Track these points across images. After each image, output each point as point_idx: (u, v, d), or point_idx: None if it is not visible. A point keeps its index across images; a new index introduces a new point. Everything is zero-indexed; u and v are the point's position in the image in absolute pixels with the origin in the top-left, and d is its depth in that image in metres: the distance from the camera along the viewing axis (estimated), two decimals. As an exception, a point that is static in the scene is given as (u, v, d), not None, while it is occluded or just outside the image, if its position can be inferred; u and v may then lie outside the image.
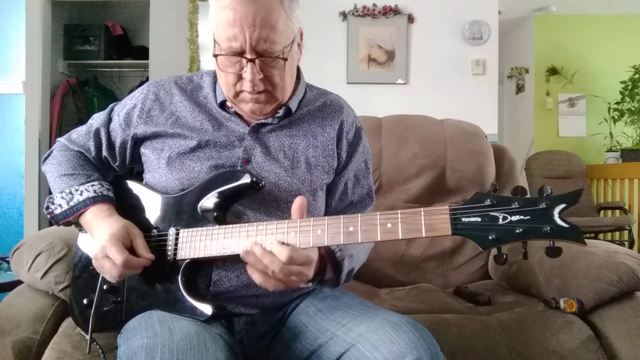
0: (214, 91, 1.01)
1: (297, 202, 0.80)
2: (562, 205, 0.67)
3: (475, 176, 1.71)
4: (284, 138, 0.98)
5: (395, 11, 3.66)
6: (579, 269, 1.26)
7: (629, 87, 4.44)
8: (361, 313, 0.85)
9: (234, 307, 0.92)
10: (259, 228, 0.82)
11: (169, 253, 0.88)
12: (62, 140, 1.06)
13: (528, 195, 0.70)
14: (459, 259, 1.69)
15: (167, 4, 3.50)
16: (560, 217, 0.67)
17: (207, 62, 3.55)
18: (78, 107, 3.68)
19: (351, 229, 0.76)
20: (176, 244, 0.88)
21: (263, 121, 0.98)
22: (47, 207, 0.95)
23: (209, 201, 0.89)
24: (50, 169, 1.01)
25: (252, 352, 0.93)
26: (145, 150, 1.00)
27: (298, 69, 1.03)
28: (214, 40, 0.89)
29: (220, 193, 0.89)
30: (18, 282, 1.26)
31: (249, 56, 0.86)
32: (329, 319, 0.87)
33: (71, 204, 0.94)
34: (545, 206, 0.68)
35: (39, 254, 1.17)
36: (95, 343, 0.93)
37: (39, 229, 2.98)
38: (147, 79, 3.65)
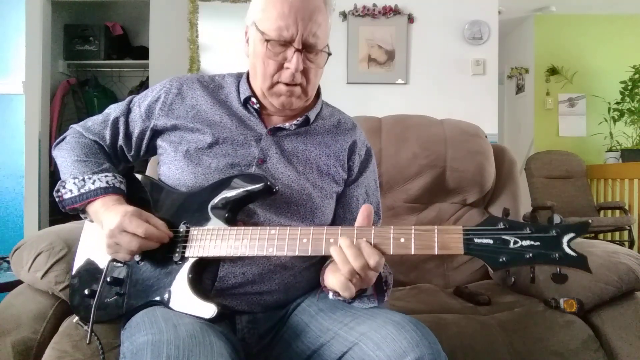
0: (237, 90, 1.04)
1: (367, 210, 0.80)
2: (571, 235, 0.70)
3: (475, 176, 1.71)
4: (298, 144, 1.01)
5: (395, 11, 3.66)
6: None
7: (629, 87, 4.44)
8: (363, 312, 0.85)
9: (237, 305, 0.92)
10: (271, 232, 0.83)
11: (177, 249, 0.89)
12: (76, 127, 1.06)
13: (539, 222, 0.73)
14: (459, 259, 1.69)
15: (167, 4, 3.50)
16: (568, 246, 0.70)
17: (207, 62, 3.55)
18: (78, 107, 3.68)
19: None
20: (185, 241, 0.89)
21: (281, 125, 1.01)
22: (58, 190, 0.96)
23: (221, 202, 0.89)
24: (63, 154, 1.01)
25: (253, 350, 0.93)
26: (163, 143, 1.02)
27: (318, 86, 1.06)
28: (259, 31, 0.94)
29: (233, 195, 0.89)
30: (18, 282, 1.26)
31: (297, 46, 0.92)
32: (331, 318, 0.87)
33: (82, 190, 0.94)
34: (555, 234, 0.71)
35: (39, 254, 1.17)
36: (95, 338, 0.93)
37: (39, 229, 2.98)
38: (147, 79, 3.65)
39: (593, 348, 1.15)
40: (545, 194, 4.16)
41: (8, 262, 1.66)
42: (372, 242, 0.77)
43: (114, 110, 1.06)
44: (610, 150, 4.68)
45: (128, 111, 1.05)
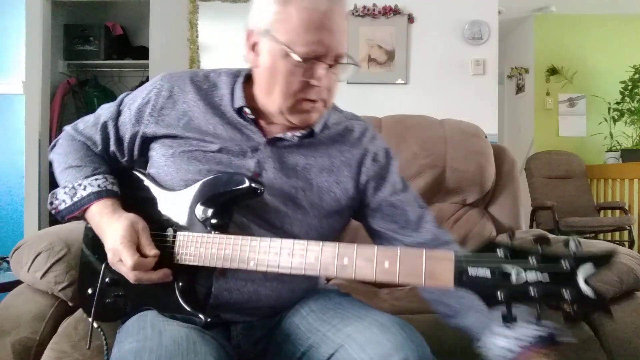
0: (231, 94, 0.94)
1: None
2: (590, 270, 0.57)
3: (475, 176, 1.70)
4: (298, 157, 0.93)
5: (395, 11, 3.66)
6: (579, 269, 1.26)
7: (629, 87, 4.44)
8: (352, 313, 0.84)
9: (232, 317, 0.90)
10: (253, 244, 0.77)
11: (167, 254, 0.85)
12: (68, 129, 1.02)
13: (551, 247, 0.61)
14: (459, 259, 1.69)
15: (167, 4, 3.50)
16: (585, 283, 0.57)
17: (207, 62, 3.54)
18: (78, 107, 3.69)
19: (345, 261, 0.70)
20: (173, 247, 0.85)
21: (282, 136, 0.92)
22: (51, 203, 0.94)
23: (206, 207, 0.85)
24: (57, 159, 0.99)
25: (249, 356, 0.91)
26: (155, 145, 0.96)
27: None
28: (279, 43, 0.82)
29: (216, 197, 0.85)
30: (18, 282, 1.25)
31: (329, 62, 0.84)
32: (321, 319, 0.86)
33: (75, 199, 0.91)
34: (568, 267, 0.58)
35: (38, 254, 1.17)
36: (101, 333, 0.92)
37: (39, 229, 2.98)
38: (147, 79, 3.64)
39: (593, 348, 1.15)
40: (545, 194, 4.16)
41: (8, 262, 1.66)
42: (354, 263, 0.69)
43: (104, 112, 1.00)
44: (610, 150, 4.69)
45: (118, 114, 0.98)
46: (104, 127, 0.98)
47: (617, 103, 4.56)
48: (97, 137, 0.98)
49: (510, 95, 5.81)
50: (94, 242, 0.94)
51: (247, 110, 0.91)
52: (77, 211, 0.91)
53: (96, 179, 0.92)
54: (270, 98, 0.88)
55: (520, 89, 5.59)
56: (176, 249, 0.85)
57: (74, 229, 1.28)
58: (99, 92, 3.85)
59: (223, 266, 0.79)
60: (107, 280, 0.89)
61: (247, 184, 0.83)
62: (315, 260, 0.72)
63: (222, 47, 3.51)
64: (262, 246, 0.77)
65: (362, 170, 0.96)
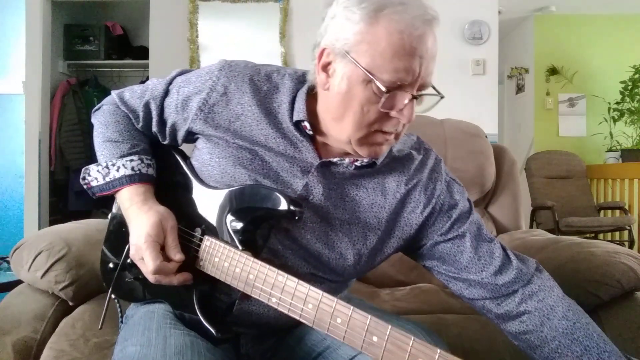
0: (291, 102, 0.84)
1: None
2: None
3: (475, 176, 1.70)
4: (350, 186, 0.84)
5: (395, 11, 3.66)
6: (579, 269, 1.26)
7: (629, 87, 4.45)
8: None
9: (245, 330, 0.87)
10: (279, 279, 0.71)
11: (190, 255, 0.81)
12: (114, 96, 0.95)
13: None
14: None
15: (167, 4, 3.50)
16: None
17: (207, 62, 3.54)
18: (78, 107, 3.68)
19: (374, 339, 0.63)
20: (198, 250, 0.81)
21: (337, 161, 0.82)
22: (84, 178, 0.89)
23: (237, 218, 0.80)
24: (97, 127, 0.93)
25: None
26: (202, 137, 0.89)
27: None
28: (361, 68, 0.72)
29: (249, 210, 0.79)
30: (18, 282, 1.26)
31: (415, 92, 0.74)
32: None
33: (107, 179, 0.87)
34: None
35: (39, 254, 1.17)
36: (116, 301, 0.91)
37: (39, 229, 2.98)
38: (147, 79, 3.65)
39: (593, 348, 1.15)
40: (545, 194, 4.16)
41: (8, 262, 1.66)
42: (384, 345, 0.62)
43: (151, 88, 0.91)
44: (610, 150, 4.69)
45: (165, 94, 0.90)
46: (147, 105, 0.91)
47: (617, 103, 4.57)
48: (140, 113, 0.91)
49: (510, 95, 5.81)
50: (123, 219, 0.89)
51: (306, 125, 0.82)
52: (108, 191, 0.88)
53: (131, 160, 0.87)
54: (340, 125, 0.78)
55: (520, 89, 5.60)
56: (200, 253, 0.81)
57: (74, 228, 1.29)
58: (99, 92, 3.85)
59: (244, 290, 0.75)
60: (128, 261, 0.87)
61: (285, 206, 0.75)
62: (341, 325, 0.65)
63: (222, 47, 3.51)
64: (288, 285, 0.70)
65: (417, 209, 0.87)
